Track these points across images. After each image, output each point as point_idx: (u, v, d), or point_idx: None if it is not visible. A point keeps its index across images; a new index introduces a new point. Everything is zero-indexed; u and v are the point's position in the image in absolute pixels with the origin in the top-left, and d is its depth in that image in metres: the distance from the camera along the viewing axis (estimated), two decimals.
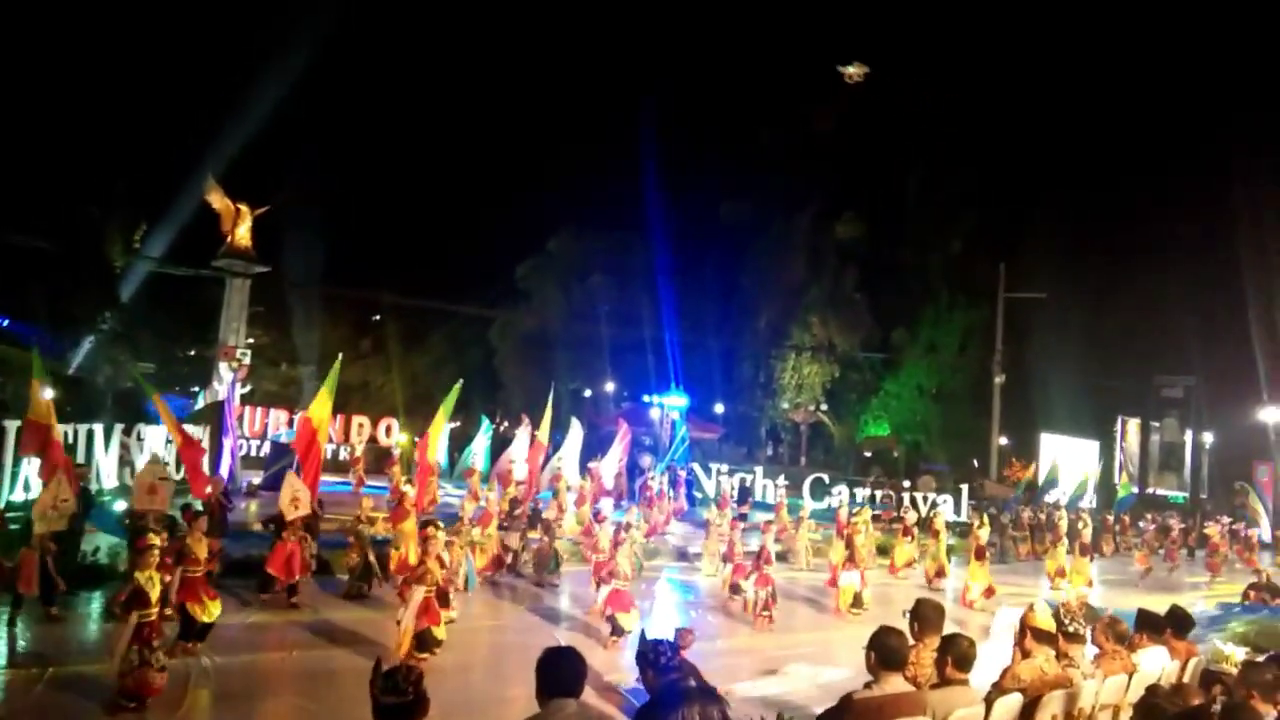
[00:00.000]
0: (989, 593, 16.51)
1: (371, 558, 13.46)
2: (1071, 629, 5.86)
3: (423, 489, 17.13)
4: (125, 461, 17.78)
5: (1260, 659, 6.21)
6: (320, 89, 34.94)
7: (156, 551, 8.36)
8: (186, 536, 10.07)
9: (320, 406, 14.73)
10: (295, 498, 12.50)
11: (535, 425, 20.66)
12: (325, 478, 17.37)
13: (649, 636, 4.42)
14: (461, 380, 20.48)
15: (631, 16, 55.56)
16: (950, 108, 44.49)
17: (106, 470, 16.94)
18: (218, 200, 23.33)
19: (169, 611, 8.32)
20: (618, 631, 11.50)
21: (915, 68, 46.37)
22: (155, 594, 8.04)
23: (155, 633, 7.99)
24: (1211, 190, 40.70)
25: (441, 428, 18.58)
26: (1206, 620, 12.96)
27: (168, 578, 8.63)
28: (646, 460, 27.89)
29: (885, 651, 4.55)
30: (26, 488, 14.45)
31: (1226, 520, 29.05)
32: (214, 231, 23.81)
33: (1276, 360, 35.96)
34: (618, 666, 10.29)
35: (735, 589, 14.58)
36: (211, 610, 9.72)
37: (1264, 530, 27.67)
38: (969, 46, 46.57)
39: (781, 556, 19.40)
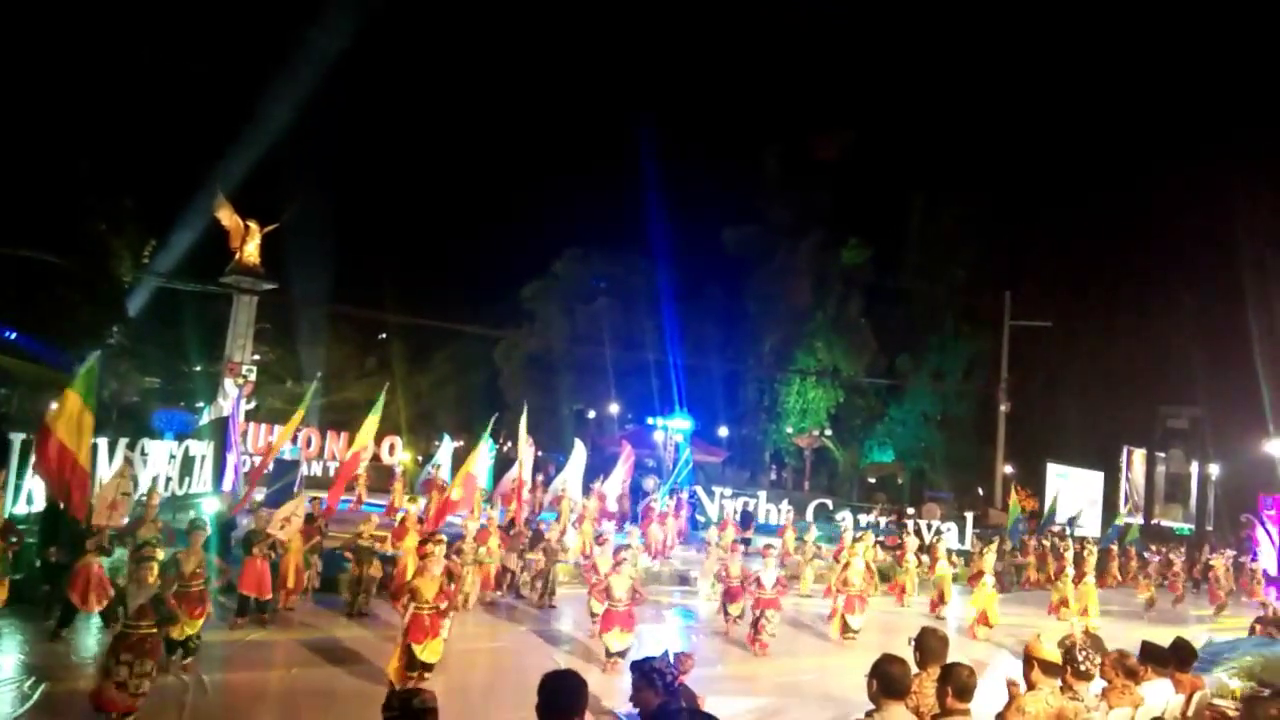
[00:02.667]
0: (988, 621, 16.42)
1: (368, 572, 13.49)
2: (1084, 667, 5.81)
3: (441, 512, 17.03)
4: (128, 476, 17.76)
5: (1264, 694, 6.16)
6: (330, 108, 35.23)
7: (155, 564, 8.34)
8: (181, 553, 10.10)
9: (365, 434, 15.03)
10: (287, 518, 12.41)
11: (515, 442, 20.30)
12: (325, 495, 17.42)
13: (649, 658, 4.40)
14: (496, 414, 20.45)
15: (640, 43, 56.09)
16: (956, 136, 44.75)
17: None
18: (227, 217, 23.47)
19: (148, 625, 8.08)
20: (609, 654, 11.44)
21: (921, 97, 46.70)
22: (138, 607, 7.93)
23: (128, 648, 7.79)
24: (1218, 221, 40.78)
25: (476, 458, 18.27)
26: (1212, 653, 12.84)
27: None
28: (650, 482, 27.79)
29: (887, 680, 4.53)
30: (30, 501, 14.45)
31: (1231, 553, 28.86)
32: (222, 248, 23.94)
33: None
34: (615, 690, 10.23)
35: (726, 612, 14.53)
36: (186, 628, 9.59)
37: (1270, 563, 27.43)
38: (975, 76, 46.87)
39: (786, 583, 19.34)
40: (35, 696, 8.69)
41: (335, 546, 14.58)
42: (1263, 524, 28.33)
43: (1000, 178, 44.37)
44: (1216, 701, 7.31)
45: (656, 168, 39.65)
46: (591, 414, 47.55)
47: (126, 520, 12.25)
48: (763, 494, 31.64)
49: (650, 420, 40.56)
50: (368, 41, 39.05)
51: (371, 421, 17.15)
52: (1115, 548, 28.41)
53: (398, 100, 47.28)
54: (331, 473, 26.05)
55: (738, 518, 25.89)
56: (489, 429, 18.53)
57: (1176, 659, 7.01)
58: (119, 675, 7.71)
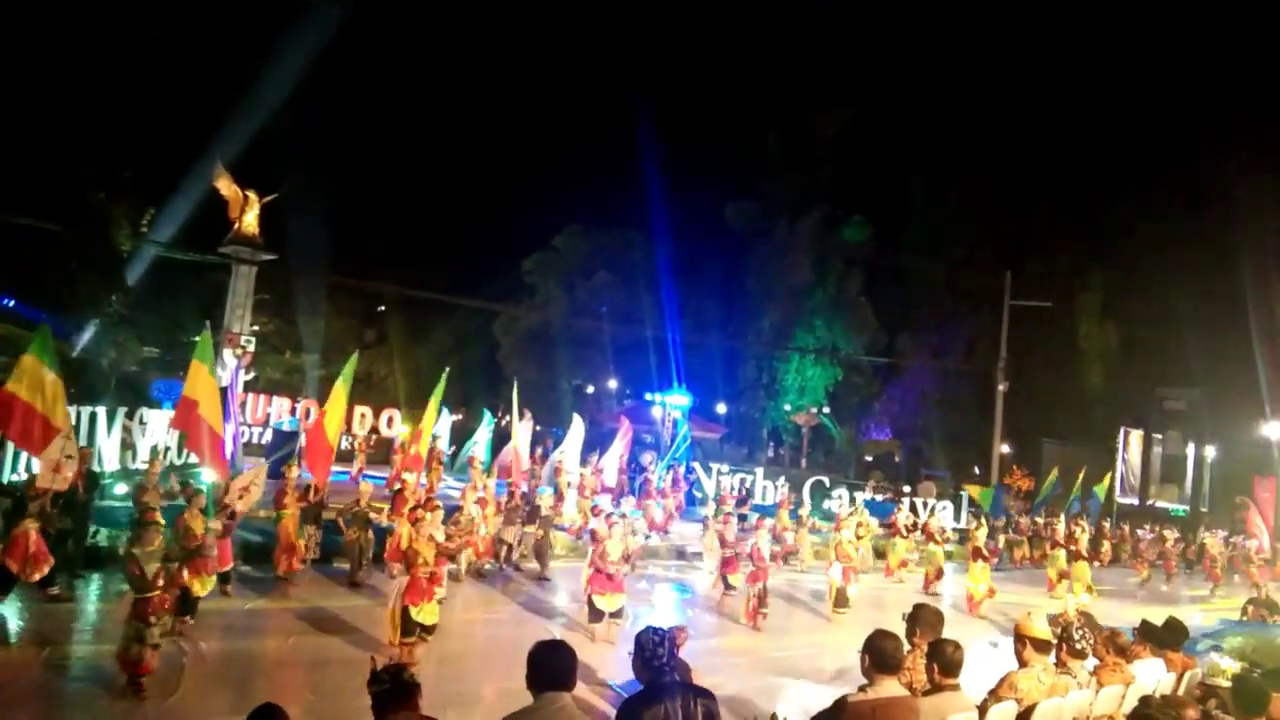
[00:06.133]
0: (989, 593, 16.52)
1: (364, 539, 13.59)
2: (1080, 646, 5.86)
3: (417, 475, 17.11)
4: (127, 445, 17.81)
5: (1256, 673, 6.21)
6: (331, 79, 34.98)
7: (159, 527, 8.41)
8: (185, 513, 10.14)
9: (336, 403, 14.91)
10: (245, 488, 12.23)
11: (513, 416, 20.20)
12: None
13: (646, 629, 4.42)
14: (447, 371, 20.06)
15: (643, 17, 55.65)
16: (958, 115, 44.54)
17: (108, 454, 16.95)
18: (226, 187, 23.31)
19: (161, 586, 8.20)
20: (596, 616, 11.52)
21: (923, 75, 46.43)
22: (151, 570, 8.05)
23: (153, 610, 7.96)
24: (1217, 204, 40.66)
25: (434, 417, 18.35)
26: (1205, 634, 12.94)
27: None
28: (648, 458, 27.84)
29: (879, 655, 4.55)
30: (28, 468, 14.48)
31: (1223, 533, 29.04)
32: (221, 218, 23.81)
33: (1279, 374, 35.87)
34: (610, 661, 10.30)
35: (725, 583, 14.57)
36: (207, 584, 9.86)
37: (1264, 545, 27.60)
38: (978, 56, 46.55)
39: (784, 558, 19.50)
40: (38, 661, 8.76)
41: (332, 517, 14.65)
42: (1257, 506, 28.49)
43: (1002, 157, 44.17)
44: (1208, 681, 7.36)
45: (658, 143, 39.54)
46: (590, 389, 47.58)
47: (69, 484, 11.93)
48: (760, 471, 31.68)
49: (649, 396, 40.60)
50: (370, 12, 38.76)
51: (340, 393, 16.38)
52: (1107, 525, 28.54)
53: (399, 73, 46.94)
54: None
55: (735, 494, 26.00)
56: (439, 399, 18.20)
57: (1169, 638, 7.06)
58: (152, 638, 7.88)
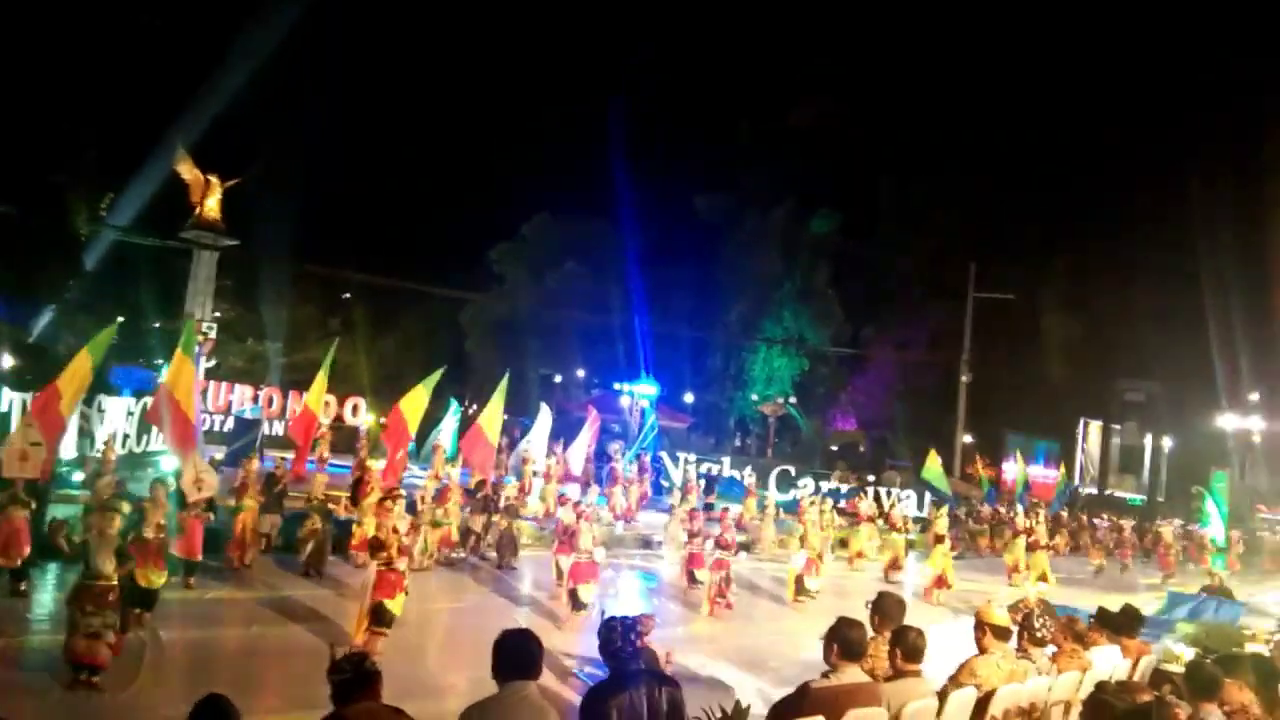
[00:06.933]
0: (941, 582, 16.70)
1: (325, 529, 13.46)
2: (1040, 634, 5.96)
3: (391, 463, 17.00)
4: (85, 432, 17.50)
5: (1208, 659, 6.34)
6: (296, 64, 34.43)
7: (118, 516, 8.26)
8: (145, 502, 9.99)
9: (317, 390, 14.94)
10: (199, 479, 12.09)
11: (489, 408, 20.18)
12: (289, 456, 17.33)
13: (611, 618, 4.42)
14: (444, 368, 20.17)
15: (614, 5, 55.37)
16: (927, 110, 44.87)
17: (66, 441, 16.64)
18: (187, 171, 22.90)
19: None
20: (577, 605, 11.58)
21: (893, 69, 46.69)
22: (100, 558, 7.88)
23: (91, 599, 7.74)
24: (1176, 201, 41.34)
25: (422, 406, 18.31)
26: (1159, 619, 13.21)
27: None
28: (615, 447, 27.87)
29: (844, 643, 4.59)
30: None
31: (1178, 522, 29.64)
32: (182, 202, 23.41)
33: (1235, 368, 36.66)
34: (575, 649, 10.31)
35: (692, 578, 14.62)
36: (154, 579, 9.59)
37: (1217, 534, 28.24)
38: (945, 52, 46.90)
39: (747, 547, 19.61)
40: None
41: (296, 508, 14.51)
42: (1212, 495, 29.11)
43: (969, 152, 44.55)
44: (1163, 667, 7.51)
45: (628, 132, 39.32)
46: (558, 378, 47.48)
47: (38, 471, 11.74)
48: (727, 460, 31.84)
49: (617, 385, 40.58)
50: None
51: (320, 379, 16.70)
52: (1065, 514, 29.03)
53: (366, 58, 46.33)
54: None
55: (702, 484, 26.08)
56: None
57: (1125, 625, 7.19)
58: (89, 627, 7.65)
